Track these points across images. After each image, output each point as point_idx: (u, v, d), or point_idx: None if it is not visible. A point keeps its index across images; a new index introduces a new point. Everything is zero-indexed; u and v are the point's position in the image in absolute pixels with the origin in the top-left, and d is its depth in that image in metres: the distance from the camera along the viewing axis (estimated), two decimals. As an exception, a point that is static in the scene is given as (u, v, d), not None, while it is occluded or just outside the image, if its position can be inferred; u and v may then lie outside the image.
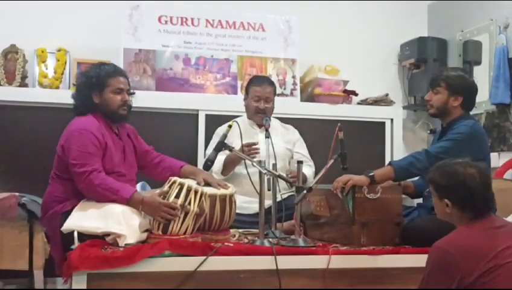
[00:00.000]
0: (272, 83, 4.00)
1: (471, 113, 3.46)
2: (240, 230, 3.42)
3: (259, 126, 3.93)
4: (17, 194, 3.61)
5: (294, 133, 4.08)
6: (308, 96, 4.84)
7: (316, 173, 3.40)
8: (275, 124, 3.94)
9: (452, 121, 3.29)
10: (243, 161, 3.51)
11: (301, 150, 3.99)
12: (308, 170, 3.84)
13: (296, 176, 3.24)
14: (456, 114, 3.30)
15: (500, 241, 2.26)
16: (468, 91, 3.31)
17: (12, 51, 4.28)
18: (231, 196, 3.05)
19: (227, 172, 3.75)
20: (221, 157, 3.73)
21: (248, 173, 3.37)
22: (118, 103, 3.16)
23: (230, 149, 3.24)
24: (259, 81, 3.96)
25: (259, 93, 3.88)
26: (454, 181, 2.43)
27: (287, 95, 4.68)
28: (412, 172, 3.20)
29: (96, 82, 3.13)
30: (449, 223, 2.84)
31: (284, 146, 3.92)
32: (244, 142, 3.51)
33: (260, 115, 3.85)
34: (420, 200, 3.53)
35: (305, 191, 2.99)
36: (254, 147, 3.59)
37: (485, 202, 2.40)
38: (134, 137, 3.37)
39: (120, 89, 3.17)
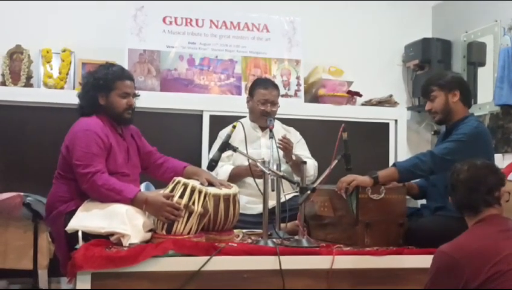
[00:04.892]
0: (276, 86, 4.00)
1: (475, 114, 3.46)
2: (244, 230, 3.43)
3: (262, 129, 3.94)
4: (21, 193, 3.63)
5: (295, 136, 4.07)
6: (312, 97, 4.85)
7: (320, 174, 3.40)
8: (276, 126, 3.92)
9: (456, 122, 3.29)
10: (247, 162, 3.51)
11: (302, 152, 3.99)
12: (311, 162, 3.86)
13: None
14: (460, 113, 3.30)
15: (506, 246, 2.26)
16: (461, 83, 3.36)
17: (17, 51, 4.29)
18: (235, 195, 3.06)
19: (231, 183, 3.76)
20: (227, 167, 3.75)
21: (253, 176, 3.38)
22: (123, 106, 3.17)
23: (235, 149, 3.24)
24: (265, 84, 3.95)
25: (266, 96, 3.88)
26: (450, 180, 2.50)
27: (291, 96, 4.68)
28: (417, 173, 3.21)
29: (103, 84, 3.14)
30: (453, 223, 2.85)
31: (285, 149, 3.92)
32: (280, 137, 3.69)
33: (265, 117, 3.84)
34: (424, 201, 3.53)
35: (308, 192, 3.00)
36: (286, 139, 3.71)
37: (470, 196, 2.42)
38: (138, 138, 3.38)
39: (126, 93, 3.18)
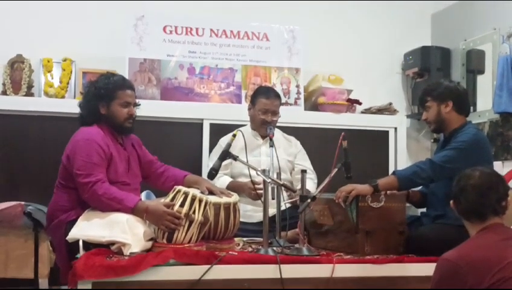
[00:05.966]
0: (278, 96, 4.00)
1: (474, 121, 3.46)
2: (244, 239, 3.43)
3: (263, 137, 3.95)
4: (22, 203, 3.63)
5: (296, 145, 4.08)
6: (312, 105, 4.86)
7: (320, 182, 3.41)
8: (277, 135, 3.93)
9: (454, 130, 3.30)
10: (247, 170, 3.52)
11: (303, 162, 3.99)
12: (311, 184, 3.82)
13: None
14: (455, 122, 3.31)
15: (509, 254, 2.26)
16: (454, 94, 3.34)
17: (18, 61, 4.30)
18: (235, 204, 3.06)
19: None
20: (224, 179, 3.75)
21: (252, 182, 3.39)
22: (124, 116, 3.19)
23: (235, 158, 3.25)
24: (267, 93, 3.94)
25: (267, 106, 3.88)
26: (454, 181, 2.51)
27: (291, 104, 4.69)
28: (416, 181, 3.22)
29: (104, 93, 3.16)
30: (452, 232, 2.85)
31: (285, 158, 3.92)
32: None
33: (265, 126, 3.85)
34: (424, 209, 3.54)
35: (309, 200, 3.00)
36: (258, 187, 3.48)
37: (480, 202, 2.41)
38: (139, 147, 3.39)
39: (127, 102, 3.20)
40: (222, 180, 3.76)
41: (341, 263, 2.89)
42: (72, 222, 2.96)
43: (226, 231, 3.02)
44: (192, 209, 2.87)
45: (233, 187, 3.71)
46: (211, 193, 3.09)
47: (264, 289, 2.77)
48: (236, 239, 3.22)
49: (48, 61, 4.38)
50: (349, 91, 4.88)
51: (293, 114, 4.57)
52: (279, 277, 2.76)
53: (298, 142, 4.11)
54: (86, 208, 3.01)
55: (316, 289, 2.83)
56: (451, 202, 2.51)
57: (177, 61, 4.52)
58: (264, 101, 3.88)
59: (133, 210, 2.92)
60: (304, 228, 3.14)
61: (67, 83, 4.38)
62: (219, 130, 4.27)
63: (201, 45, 4.58)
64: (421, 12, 5.32)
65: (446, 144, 3.30)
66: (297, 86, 4.75)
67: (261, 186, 3.31)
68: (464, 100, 3.38)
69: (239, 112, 4.28)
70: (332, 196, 3.16)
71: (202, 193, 3.04)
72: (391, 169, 4.70)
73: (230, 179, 3.81)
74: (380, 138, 4.85)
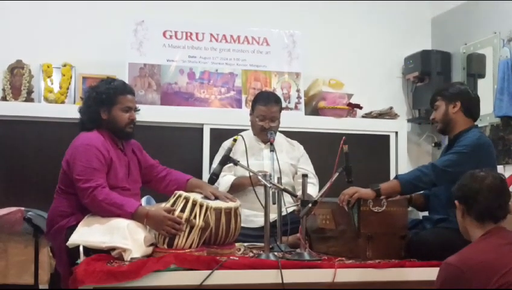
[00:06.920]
0: (277, 101, 3.96)
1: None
2: (246, 244, 3.42)
3: (264, 142, 3.94)
4: (22, 208, 3.63)
5: (299, 149, 4.07)
6: (313, 109, 4.85)
7: (321, 187, 3.40)
8: (280, 139, 3.93)
9: (459, 134, 3.30)
10: (248, 174, 3.51)
11: (305, 166, 3.98)
12: (313, 189, 3.78)
13: None
14: (462, 124, 3.31)
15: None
16: (463, 95, 3.34)
17: (18, 66, 4.30)
18: (236, 209, 3.05)
19: (233, 193, 3.74)
20: (228, 177, 3.74)
21: (253, 186, 3.38)
22: (125, 121, 3.18)
23: (236, 163, 3.24)
24: (265, 100, 3.91)
25: (265, 113, 3.86)
26: (462, 182, 2.48)
27: (291, 109, 4.69)
28: (418, 186, 3.21)
29: (105, 98, 3.15)
30: (454, 236, 2.84)
31: (288, 162, 3.91)
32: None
33: (265, 133, 3.84)
34: (426, 213, 3.53)
35: (310, 205, 2.99)
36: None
37: (496, 202, 2.39)
38: (139, 152, 3.38)
39: (129, 107, 3.20)
40: (226, 179, 3.75)
41: (343, 267, 2.88)
42: (72, 228, 2.95)
43: (227, 236, 3.01)
44: (193, 214, 2.86)
45: (240, 182, 3.73)
46: (216, 197, 3.08)
47: (265, 294, 2.76)
48: (237, 244, 3.21)
49: (48, 67, 4.38)
50: (350, 95, 4.88)
51: (293, 119, 4.57)
52: (280, 282, 2.74)
53: (301, 147, 4.10)
54: (86, 214, 3.01)
55: (318, 294, 2.82)
56: (456, 202, 2.48)
57: (177, 66, 4.51)
58: (262, 108, 3.87)
59: (134, 215, 2.91)
60: (305, 233, 3.12)
61: (67, 89, 4.38)
62: (219, 135, 4.27)
63: (201, 49, 4.58)
64: (421, 16, 5.32)
65: (450, 148, 3.30)
66: (298, 91, 4.74)
67: (262, 161, 3.45)
68: (473, 103, 3.37)
69: (239, 117, 4.27)
70: (334, 200, 3.16)
71: (207, 197, 3.03)
72: (392, 173, 4.70)
73: (233, 177, 3.79)
74: (380, 142, 4.84)
